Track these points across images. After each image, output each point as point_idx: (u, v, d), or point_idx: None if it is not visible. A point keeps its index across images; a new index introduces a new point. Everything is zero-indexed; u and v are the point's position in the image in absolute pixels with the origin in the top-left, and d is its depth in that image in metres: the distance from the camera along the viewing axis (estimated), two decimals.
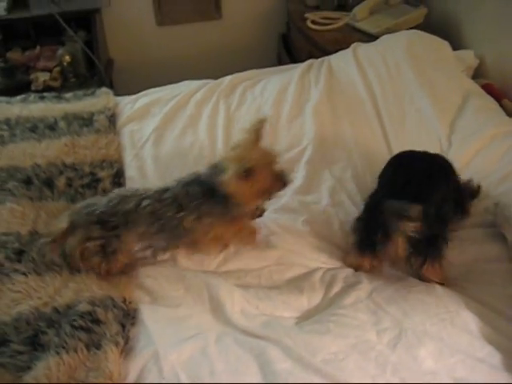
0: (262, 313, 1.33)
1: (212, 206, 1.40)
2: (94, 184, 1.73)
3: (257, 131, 1.40)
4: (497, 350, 1.19)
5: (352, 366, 1.14)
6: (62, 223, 1.40)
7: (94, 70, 2.73)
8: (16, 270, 1.40)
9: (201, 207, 1.39)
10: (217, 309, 1.33)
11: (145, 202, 1.38)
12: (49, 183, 1.71)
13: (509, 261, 1.40)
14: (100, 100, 2.10)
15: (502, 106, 1.96)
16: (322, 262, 1.49)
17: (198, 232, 1.42)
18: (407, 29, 2.36)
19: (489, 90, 2.03)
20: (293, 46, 2.86)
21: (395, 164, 1.53)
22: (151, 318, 1.30)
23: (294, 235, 1.55)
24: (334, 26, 2.56)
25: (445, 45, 2.16)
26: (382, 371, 1.13)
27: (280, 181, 1.43)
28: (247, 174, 1.32)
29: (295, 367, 1.14)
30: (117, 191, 1.46)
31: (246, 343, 1.21)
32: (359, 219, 1.45)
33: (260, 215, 1.57)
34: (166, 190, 1.42)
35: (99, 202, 1.41)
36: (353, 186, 1.70)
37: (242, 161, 1.33)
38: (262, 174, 1.36)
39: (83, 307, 1.30)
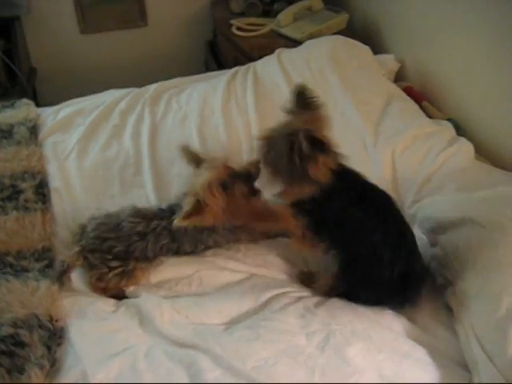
0: (192, 322, 1.32)
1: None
2: (15, 196, 1.67)
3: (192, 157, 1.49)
4: (419, 344, 1.22)
5: (282, 371, 1.15)
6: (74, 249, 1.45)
7: (15, 80, 2.63)
8: None
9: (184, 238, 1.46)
10: (146, 322, 1.31)
11: (162, 241, 1.44)
12: None
13: (431, 260, 1.45)
14: (20, 111, 2.03)
15: (422, 108, 2.03)
16: (254, 266, 1.50)
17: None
18: (330, 34, 2.41)
19: (409, 92, 2.10)
20: (220, 52, 2.86)
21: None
22: (78, 334, 1.27)
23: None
24: (259, 32, 2.58)
25: (366, 49, 2.21)
26: (311, 375, 1.14)
27: (242, 184, 1.43)
28: (198, 208, 1.36)
29: (225, 376, 1.13)
30: (128, 218, 1.46)
31: (176, 355, 1.20)
32: None
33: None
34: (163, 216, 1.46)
35: (112, 234, 1.43)
36: None
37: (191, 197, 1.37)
38: (216, 196, 1.37)
39: (5, 330, 1.24)
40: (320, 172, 1.25)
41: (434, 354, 1.21)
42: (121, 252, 1.42)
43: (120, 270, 1.42)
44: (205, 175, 1.39)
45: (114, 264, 1.42)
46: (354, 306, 1.33)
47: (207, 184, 1.36)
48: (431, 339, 1.25)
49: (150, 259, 1.45)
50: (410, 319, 1.29)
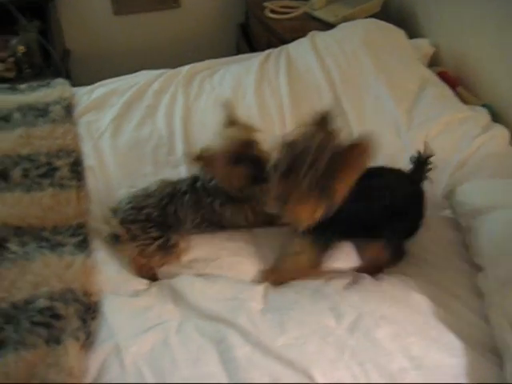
0: (225, 298, 1.32)
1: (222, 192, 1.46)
2: (50, 173, 1.70)
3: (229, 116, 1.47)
4: (449, 329, 1.22)
5: (312, 349, 1.16)
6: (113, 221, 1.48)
7: (49, 61, 2.66)
8: None
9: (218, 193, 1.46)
10: (178, 297, 1.33)
11: (187, 197, 1.46)
12: (4, 175, 1.68)
13: (462, 245, 1.44)
14: (55, 90, 2.06)
15: (456, 93, 2.00)
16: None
17: (227, 217, 1.49)
18: (364, 17, 2.39)
19: (444, 77, 2.07)
20: (252, 35, 2.86)
21: None
22: (112, 309, 1.30)
23: None
24: (293, 14, 2.56)
25: (400, 33, 2.19)
26: (340, 354, 1.15)
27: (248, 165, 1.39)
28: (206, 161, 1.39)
29: (255, 353, 1.15)
30: (157, 187, 1.50)
31: (207, 330, 1.22)
32: None
33: None
34: (196, 179, 1.49)
35: (146, 202, 1.46)
36: None
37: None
38: (213, 166, 1.40)
39: (42, 303, 1.27)
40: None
41: (464, 338, 1.20)
42: (158, 217, 1.45)
43: (162, 240, 1.44)
44: (219, 142, 1.42)
45: (155, 234, 1.44)
46: (382, 287, 1.33)
47: (212, 153, 1.40)
48: (461, 324, 1.24)
49: (181, 224, 1.46)
50: (441, 304, 1.28)
